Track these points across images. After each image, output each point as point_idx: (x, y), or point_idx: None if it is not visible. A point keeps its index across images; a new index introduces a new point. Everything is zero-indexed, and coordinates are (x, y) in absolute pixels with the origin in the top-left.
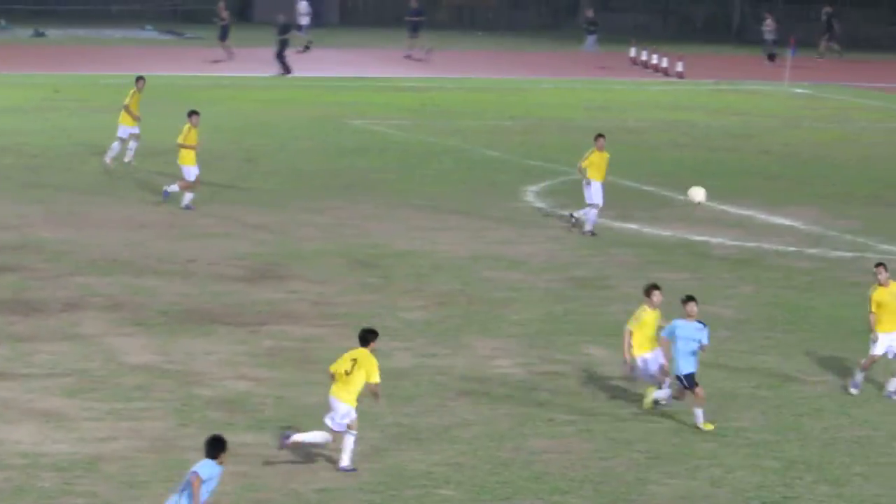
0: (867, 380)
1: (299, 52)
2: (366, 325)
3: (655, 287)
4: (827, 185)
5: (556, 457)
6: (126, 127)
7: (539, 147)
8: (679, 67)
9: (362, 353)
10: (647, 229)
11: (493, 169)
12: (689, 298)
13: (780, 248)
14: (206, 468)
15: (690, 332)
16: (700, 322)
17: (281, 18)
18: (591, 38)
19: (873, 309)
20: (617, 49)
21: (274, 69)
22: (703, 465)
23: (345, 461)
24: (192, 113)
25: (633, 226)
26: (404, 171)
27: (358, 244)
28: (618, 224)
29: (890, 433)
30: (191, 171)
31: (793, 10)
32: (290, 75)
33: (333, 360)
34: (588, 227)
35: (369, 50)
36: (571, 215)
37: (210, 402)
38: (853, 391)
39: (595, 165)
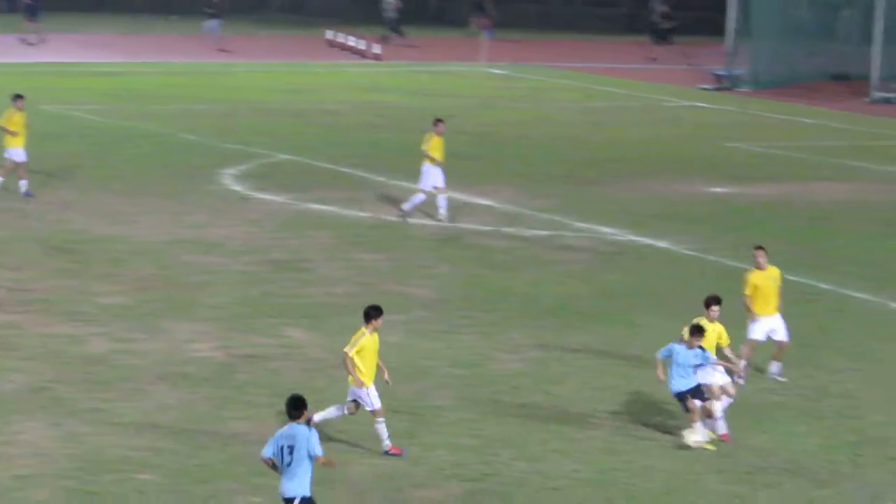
0: (561, 361)
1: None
2: (61, 311)
3: (716, 301)
4: (523, 165)
5: (256, 439)
6: None
7: (235, 130)
8: (376, 49)
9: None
10: (346, 211)
11: (191, 152)
12: (697, 329)
13: (478, 227)
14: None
15: (688, 359)
16: (700, 348)
17: None
18: (213, 22)
19: (748, 292)
20: (314, 32)
21: None
22: (401, 444)
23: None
24: (17, 97)
25: (332, 208)
26: (101, 156)
27: (55, 230)
28: (315, 206)
29: (587, 410)
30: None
31: None
32: None
33: (30, 348)
34: (442, 213)
35: (65, 35)
36: (402, 210)
37: None
38: (779, 379)
39: (437, 150)
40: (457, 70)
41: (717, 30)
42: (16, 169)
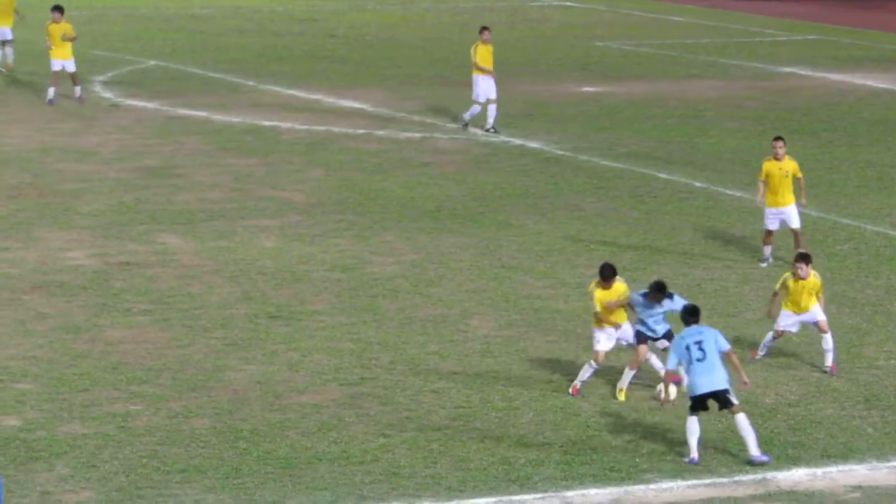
0: (436, 264)
1: None
2: None
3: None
4: (393, 68)
5: (134, 346)
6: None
7: (103, 37)
8: None
9: None
10: (217, 116)
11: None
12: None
13: (350, 131)
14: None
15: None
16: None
17: None
18: None
19: (763, 178)
20: None
21: None
22: (279, 349)
23: None
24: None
25: (202, 113)
26: None
27: None
28: (186, 111)
29: (463, 311)
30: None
31: None
32: None
33: None
34: (490, 123)
35: None
36: (464, 122)
37: None
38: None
39: (486, 59)
40: None
41: None
42: None
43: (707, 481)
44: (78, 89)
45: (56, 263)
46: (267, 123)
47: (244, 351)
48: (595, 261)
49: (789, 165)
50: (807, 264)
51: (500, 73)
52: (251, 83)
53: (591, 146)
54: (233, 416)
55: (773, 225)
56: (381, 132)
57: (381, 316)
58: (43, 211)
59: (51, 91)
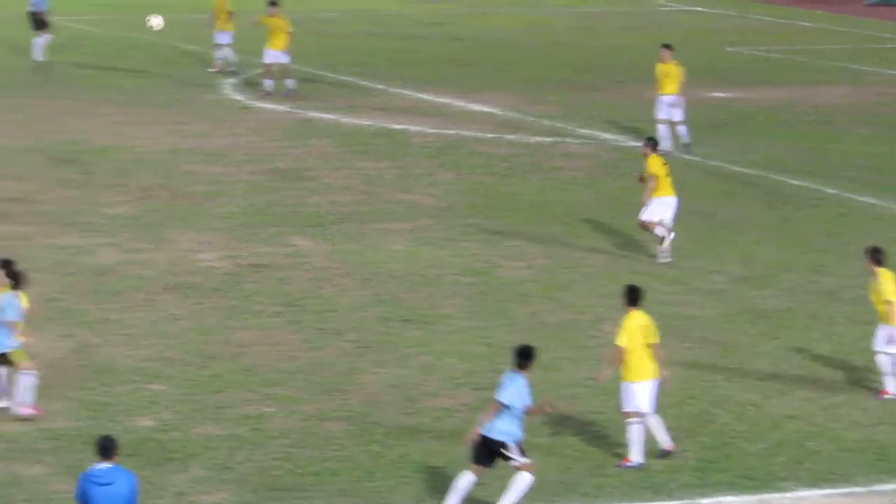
0: (567, 268)
1: None
2: (68, 221)
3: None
4: (520, 71)
5: (266, 349)
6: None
7: (235, 40)
8: None
9: None
10: (346, 119)
11: (190, 63)
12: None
13: (479, 134)
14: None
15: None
16: None
17: None
18: None
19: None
20: None
21: None
22: (412, 353)
23: None
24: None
25: (332, 116)
26: (101, 66)
27: (57, 140)
28: (316, 114)
29: (595, 316)
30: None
31: None
32: None
33: (39, 259)
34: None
35: None
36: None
37: None
38: None
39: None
40: None
41: None
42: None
43: (844, 490)
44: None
45: (188, 265)
46: (397, 127)
47: (377, 354)
48: (727, 265)
49: None
50: None
51: (632, 77)
52: (380, 86)
53: (721, 152)
54: (366, 420)
55: None
56: (510, 136)
57: (512, 320)
58: (174, 212)
59: (267, 83)
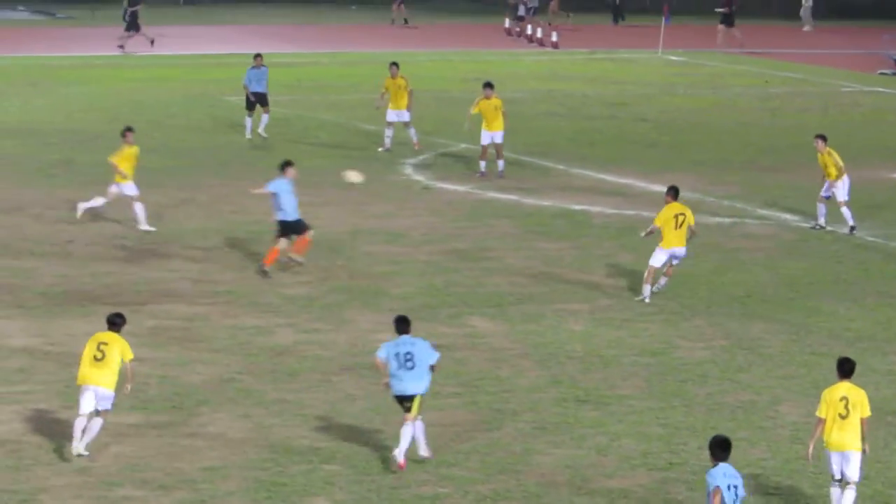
0: (746, 350)
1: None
2: (247, 302)
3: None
4: (703, 152)
5: (443, 429)
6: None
7: (416, 120)
8: (554, 38)
9: (110, 335)
10: (527, 200)
11: (371, 143)
12: None
13: None
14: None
15: None
16: None
17: None
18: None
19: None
20: (493, 20)
21: (139, 45)
22: (588, 433)
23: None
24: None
25: (513, 196)
26: (282, 146)
27: (238, 221)
28: (496, 195)
29: (772, 397)
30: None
31: None
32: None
33: (216, 339)
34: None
35: (243, 26)
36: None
37: None
38: None
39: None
40: (634, 57)
41: (893, 13)
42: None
43: None
44: (500, 163)
45: (366, 346)
46: (577, 207)
47: (552, 435)
48: None
49: None
50: None
51: (815, 158)
52: (561, 167)
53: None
54: (541, 500)
55: None
56: None
57: (689, 401)
58: (353, 293)
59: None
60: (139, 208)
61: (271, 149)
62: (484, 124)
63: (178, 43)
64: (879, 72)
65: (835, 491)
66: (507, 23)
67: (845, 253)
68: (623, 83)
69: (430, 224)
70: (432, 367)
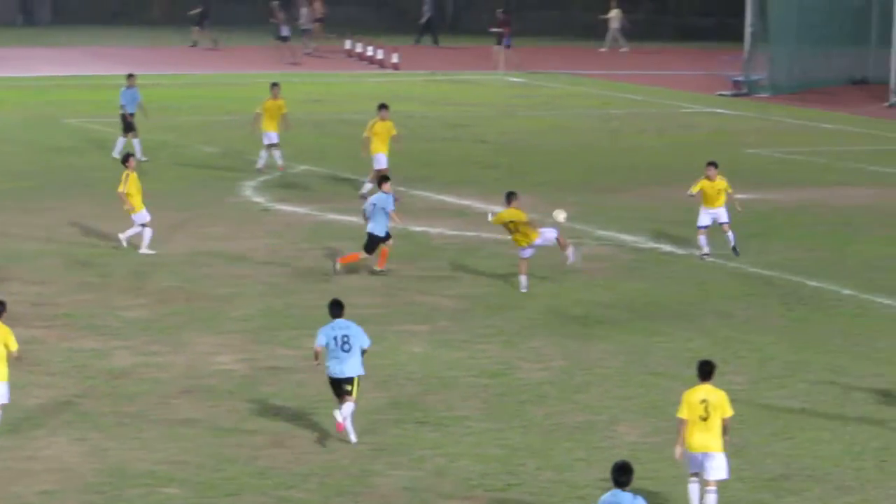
0: (584, 370)
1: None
2: (85, 324)
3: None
4: (543, 173)
5: (281, 452)
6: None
7: (256, 142)
8: (394, 59)
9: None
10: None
11: (211, 165)
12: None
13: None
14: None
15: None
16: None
17: None
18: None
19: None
20: (334, 43)
21: None
22: (427, 455)
23: None
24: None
25: (353, 218)
26: (121, 169)
27: (77, 243)
28: (336, 217)
29: (610, 417)
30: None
31: None
32: None
33: (53, 362)
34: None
35: (83, 48)
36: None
37: None
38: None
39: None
40: (474, 79)
41: (734, 35)
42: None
43: None
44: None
45: (205, 368)
46: (417, 228)
47: (391, 456)
48: (744, 368)
49: None
50: None
51: (653, 179)
52: (402, 188)
53: (740, 253)
54: None
55: None
56: None
57: (528, 422)
58: (192, 315)
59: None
60: None
61: (112, 169)
62: (378, 146)
63: (14, 65)
64: (718, 93)
65: (693, 487)
66: (348, 44)
67: (683, 274)
68: (463, 105)
69: (270, 246)
70: (363, 351)
